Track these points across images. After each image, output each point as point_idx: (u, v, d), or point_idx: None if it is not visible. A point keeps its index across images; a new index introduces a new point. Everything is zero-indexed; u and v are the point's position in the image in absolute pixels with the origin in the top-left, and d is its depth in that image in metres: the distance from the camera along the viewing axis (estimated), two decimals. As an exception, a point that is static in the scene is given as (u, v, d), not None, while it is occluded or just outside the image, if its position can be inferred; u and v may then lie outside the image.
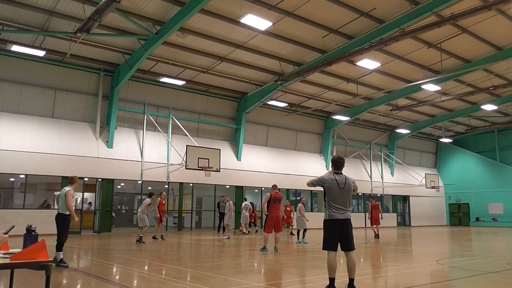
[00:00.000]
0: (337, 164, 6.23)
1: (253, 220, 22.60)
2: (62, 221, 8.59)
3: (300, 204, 15.79)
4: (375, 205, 18.57)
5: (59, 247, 8.51)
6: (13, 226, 4.70)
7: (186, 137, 22.31)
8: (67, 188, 8.65)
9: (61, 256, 8.50)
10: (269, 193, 11.85)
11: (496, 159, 34.64)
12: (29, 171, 18.11)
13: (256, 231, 21.86)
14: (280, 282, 7.49)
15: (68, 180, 9.01)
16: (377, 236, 17.71)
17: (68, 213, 8.55)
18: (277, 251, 11.61)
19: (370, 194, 31.40)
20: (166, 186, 22.49)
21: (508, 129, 33.89)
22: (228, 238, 17.06)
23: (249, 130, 25.97)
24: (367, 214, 30.49)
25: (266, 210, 11.77)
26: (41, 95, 19.36)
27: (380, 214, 18.42)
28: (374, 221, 18.17)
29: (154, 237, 16.46)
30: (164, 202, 16.58)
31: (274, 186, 12.15)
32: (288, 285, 7.18)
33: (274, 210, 11.67)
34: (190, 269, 8.55)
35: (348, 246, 5.93)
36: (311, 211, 28.86)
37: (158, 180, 21.61)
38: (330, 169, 6.39)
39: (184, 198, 23.06)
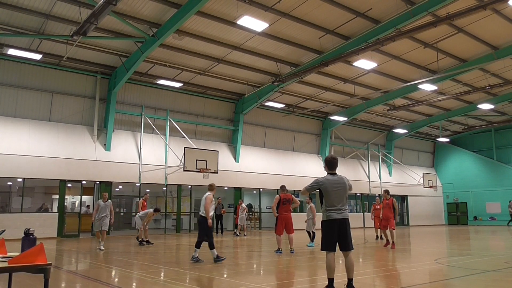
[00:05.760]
0: (331, 164, 6.24)
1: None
2: (204, 222, 9.47)
3: (312, 204, 14.35)
4: (387, 203, 13.49)
5: (211, 246, 9.46)
6: (4, 230, 4.71)
7: (184, 139, 22.30)
8: (207, 193, 9.61)
9: (216, 254, 9.45)
10: (278, 196, 11.83)
11: (493, 158, 34.74)
12: (27, 174, 18.07)
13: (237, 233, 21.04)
14: (279, 283, 7.49)
15: (208, 187, 9.95)
16: (387, 243, 13.43)
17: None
18: (293, 252, 11.60)
19: (368, 193, 31.46)
20: (164, 188, 22.47)
21: (504, 128, 34.00)
22: (101, 249, 12.77)
23: (246, 131, 25.98)
24: (365, 213, 30.59)
25: (275, 212, 11.77)
26: (38, 98, 19.33)
27: (394, 215, 13.36)
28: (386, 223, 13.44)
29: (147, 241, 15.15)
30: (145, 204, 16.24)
31: (283, 187, 12.13)
32: (287, 286, 7.18)
33: (284, 211, 11.67)
34: (189, 271, 8.54)
35: (346, 246, 5.93)
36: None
37: (156, 183, 21.59)
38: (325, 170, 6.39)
39: (182, 200, 23.04)
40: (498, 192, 33.41)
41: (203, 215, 9.49)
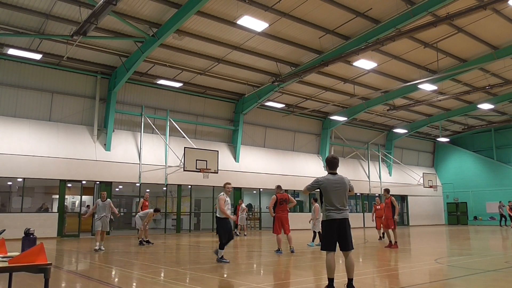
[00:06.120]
0: (332, 164, 6.24)
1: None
2: (219, 223, 9.63)
3: (317, 204, 14.26)
4: (387, 202, 13.73)
5: (220, 246, 9.55)
6: (4, 230, 4.72)
7: (184, 139, 22.30)
8: (220, 194, 9.76)
9: (222, 254, 9.51)
10: (274, 196, 11.83)
11: (493, 158, 34.76)
12: (27, 174, 18.06)
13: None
14: (279, 283, 7.49)
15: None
16: (390, 244, 13.28)
17: (224, 216, 9.56)
18: (293, 252, 11.62)
19: (368, 194, 31.46)
20: (164, 188, 22.47)
21: (504, 128, 34.02)
22: (101, 249, 12.52)
23: (246, 131, 25.98)
24: (366, 213, 30.60)
25: (272, 212, 11.78)
26: (38, 98, 19.33)
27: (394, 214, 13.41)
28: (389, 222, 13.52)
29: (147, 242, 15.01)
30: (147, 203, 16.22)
31: (279, 187, 12.10)
32: (288, 285, 7.18)
33: (281, 211, 11.70)
34: (189, 271, 8.55)
35: (346, 246, 5.93)
36: (309, 211, 28.91)
37: (156, 183, 21.59)
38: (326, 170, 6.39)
39: (182, 200, 23.03)
40: (498, 192, 33.39)
41: (219, 216, 9.62)
